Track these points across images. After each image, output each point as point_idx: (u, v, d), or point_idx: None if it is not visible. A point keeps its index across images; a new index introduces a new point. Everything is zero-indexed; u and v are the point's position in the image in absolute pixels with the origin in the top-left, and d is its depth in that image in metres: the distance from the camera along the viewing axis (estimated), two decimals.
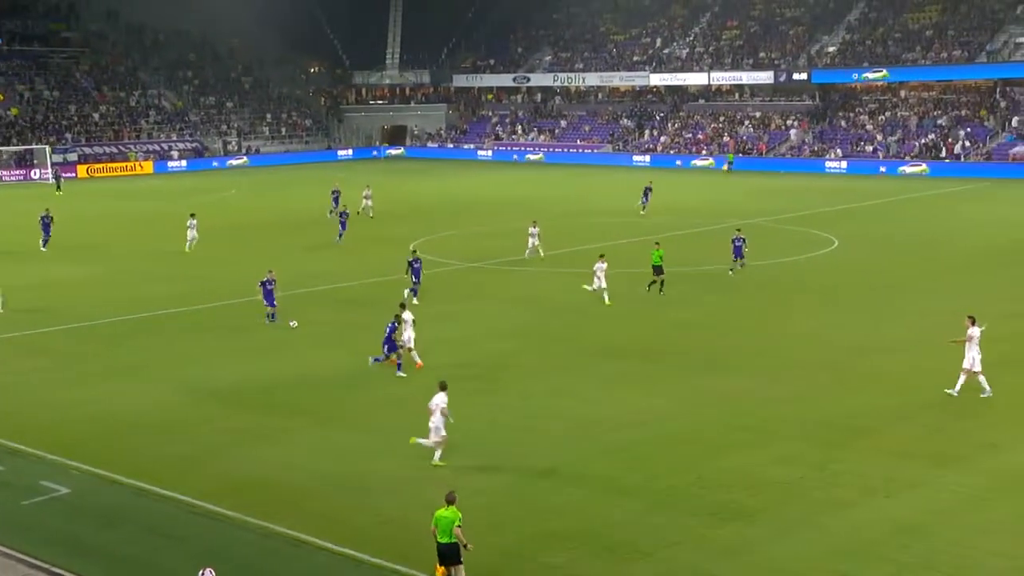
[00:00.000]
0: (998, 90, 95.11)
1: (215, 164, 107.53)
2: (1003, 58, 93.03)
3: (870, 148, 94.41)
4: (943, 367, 29.22)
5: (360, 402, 28.64)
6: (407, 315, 31.39)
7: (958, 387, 27.57)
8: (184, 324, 37.99)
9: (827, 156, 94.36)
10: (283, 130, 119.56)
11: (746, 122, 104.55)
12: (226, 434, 26.24)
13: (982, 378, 27.41)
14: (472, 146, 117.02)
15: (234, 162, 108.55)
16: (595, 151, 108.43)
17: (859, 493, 21.76)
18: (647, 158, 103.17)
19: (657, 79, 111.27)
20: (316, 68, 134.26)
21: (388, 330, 30.77)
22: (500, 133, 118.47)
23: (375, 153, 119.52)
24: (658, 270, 40.42)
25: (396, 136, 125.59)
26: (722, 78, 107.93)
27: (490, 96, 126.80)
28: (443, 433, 23.49)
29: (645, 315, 38.25)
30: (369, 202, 65.01)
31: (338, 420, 27.25)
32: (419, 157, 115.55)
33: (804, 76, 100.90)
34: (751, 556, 19.08)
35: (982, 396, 27.38)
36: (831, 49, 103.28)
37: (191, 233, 52.49)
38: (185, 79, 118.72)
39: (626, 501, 21.79)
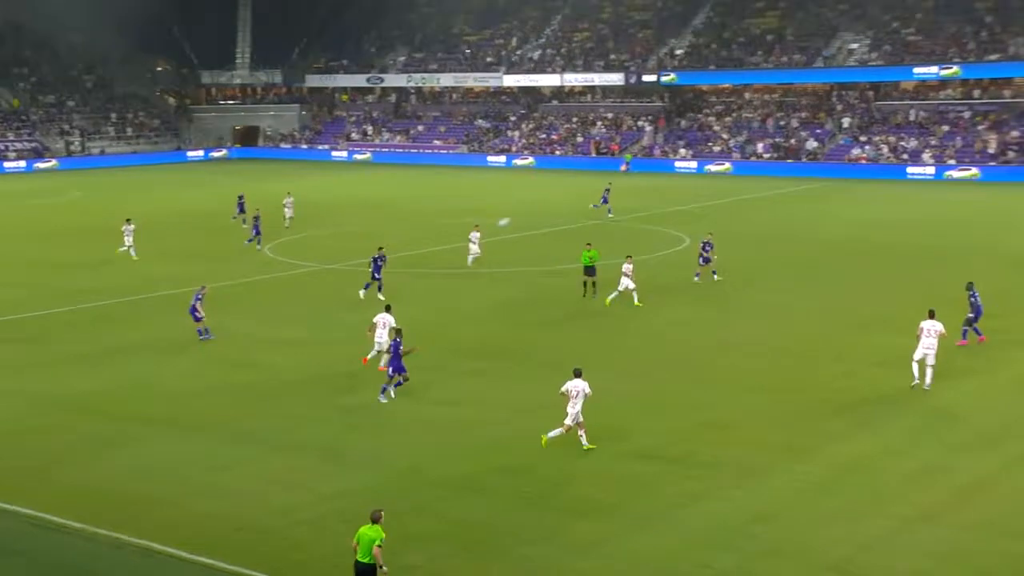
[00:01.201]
0: (834, 94, 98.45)
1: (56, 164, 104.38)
2: (838, 63, 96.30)
3: (717, 148, 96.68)
4: (795, 362, 30.00)
5: (212, 408, 27.97)
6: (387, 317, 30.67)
7: (924, 380, 28.31)
8: (30, 332, 36.72)
9: (677, 156, 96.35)
10: (129, 130, 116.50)
11: (599, 123, 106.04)
12: (72, 442, 25.37)
13: (929, 370, 28.34)
14: (327, 147, 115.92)
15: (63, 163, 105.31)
16: (451, 152, 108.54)
17: (712, 485, 22.18)
18: (503, 159, 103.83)
19: (511, 80, 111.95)
20: (163, 67, 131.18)
21: (393, 348, 28.24)
22: (355, 134, 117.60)
23: (219, 154, 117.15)
24: (589, 271, 39.95)
25: (248, 137, 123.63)
26: (574, 80, 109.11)
27: (344, 96, 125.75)
28: (580, 418, 24.03)
29: (503, 316, 38.32)
30: (289, 211, 60.38)
31: (190, 427, 26.58)
32: (272, 158, 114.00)
33: (653, 78, 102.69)
34: (608, 549, 19.25)
35: (916, 386, 28.27)
36: (679, 52, 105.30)
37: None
38: (21, 76, 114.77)
39: (484, 500, 21.81)
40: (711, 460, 23.57)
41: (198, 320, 34.53)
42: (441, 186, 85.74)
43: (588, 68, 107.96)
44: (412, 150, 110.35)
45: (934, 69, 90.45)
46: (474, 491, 22.24)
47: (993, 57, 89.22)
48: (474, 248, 46.40)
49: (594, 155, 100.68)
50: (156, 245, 52.36)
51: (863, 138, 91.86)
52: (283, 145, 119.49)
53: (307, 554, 19.30)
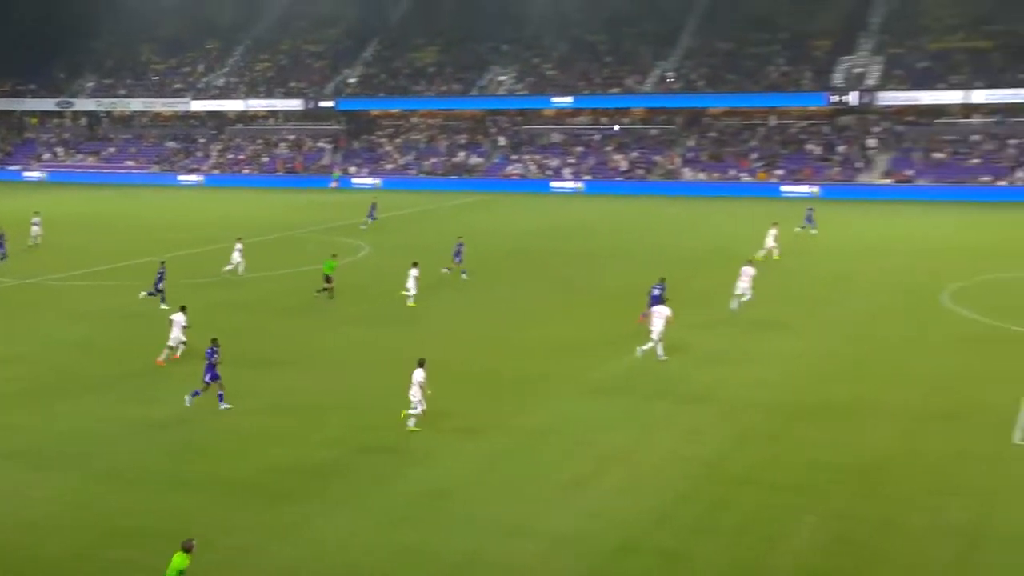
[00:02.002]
0: (489, 119, 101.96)
1: None
2: (491, 92, 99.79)
3: (390, 165, 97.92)
4: (472, 352, 31.05)
5: None
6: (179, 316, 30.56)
7: (651, 349, 30.71)
8: None
9: (356, 174, 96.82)
10: None
11: (281, 144, 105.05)
12: None
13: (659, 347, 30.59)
14: (19, 167, 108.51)
15: None
16: (143, 171, 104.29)
17: (398, 466, 22.71)
18: (193, 177, 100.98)
19: (198, 105, 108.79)
20: None
21: (208, 356, 26.79)
22: (47, 155, 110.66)
23: None
24: (328, 279, 40.43)
25: None
26: (258, 105, 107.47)
27: (34, 120, 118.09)
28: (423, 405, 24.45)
29: (234, 316, 37.45)
30: (38, 229, 55.78)
31: None
32: None
33: (331, 104, 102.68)
34: (306, 533, 19.40)
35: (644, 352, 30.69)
36: (352, 81, 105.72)
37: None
38: None
39: (187, 494, 21.41)
40: (393, 446, 24.05)
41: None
42: (139, 203, 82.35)
43: (270, 95, 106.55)
44: (105, 170, 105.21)
45: (569, 99, 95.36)
46: (177, 487, 21.75)
47: (614, 90, 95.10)
48: (236, 257, 45.70)
49: (281, 173, 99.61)
50: None
51: (515, 156, 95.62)
52: None
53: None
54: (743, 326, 35.55)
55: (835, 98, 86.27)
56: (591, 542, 19.04)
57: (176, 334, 30.55)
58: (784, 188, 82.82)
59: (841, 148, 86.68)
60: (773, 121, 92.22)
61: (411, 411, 24.84)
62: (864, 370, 30.56)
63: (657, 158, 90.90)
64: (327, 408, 27.12)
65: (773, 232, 50.14)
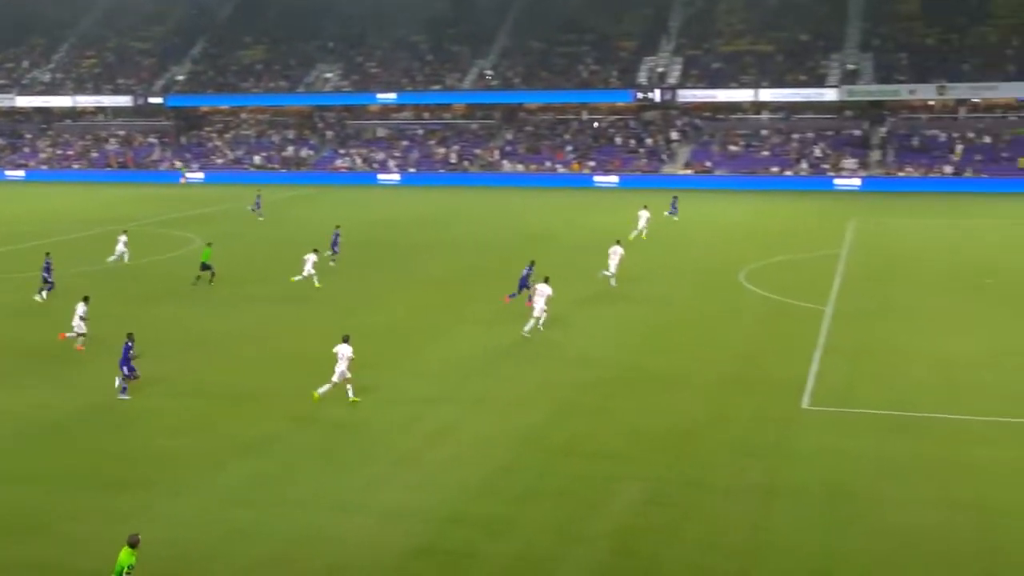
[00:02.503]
0: (316, 114, 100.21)
1: None
2: (317, 89, 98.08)
3: (220, 160, 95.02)
4: (294, 344, 30.46)
5: None
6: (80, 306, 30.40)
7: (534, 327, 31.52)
8: None
9: (187, 168, 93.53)
10: None
11: (111, 139, 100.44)
12: None
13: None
14: None
15: None
16: None
17: (233, 454, 22.20)
18: (22, 173, 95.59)
19: (24, 101, 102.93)
20: None
21: (123, 351, 25.77)
22: None
23: None
24: (205, 266, 40.12)
25: None
26: (86, 101, 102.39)
27: None
28: (348, 375, 24.88)
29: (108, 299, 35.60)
30: None
31: None
32: None
33: (160, 100, 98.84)
34: (149, 515, 18.80)
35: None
36: (180, 78, 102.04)
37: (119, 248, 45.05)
38: None
39: (28, 485, 20.44)
40: (226, 432, 23.51)
41: None
42: None
43: (98, 91, 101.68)
44: None
45: (392, 95, 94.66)
46: (16, 480, 20.75)
47: (435, 87, 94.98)
48: (120, 248, 45.14)
49: (113, 168, 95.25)
50: None
51: (343, 151, 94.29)
52: None
53: None
54: (568, 304, 36.00)
55: (640, 95, 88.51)
56: (420, 514, 19.00)
57: (76, 323, 30.55)
58: (597, 179, 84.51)
59: (647, 141, 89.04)
60: (585, 116, 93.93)
61: (325, 388, 25.02)
62: (676, 343, 31.58)
63: (478, 151, 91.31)
64: (163, 395, 26.12)
65: (644, 215, 52.14)
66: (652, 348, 31.00)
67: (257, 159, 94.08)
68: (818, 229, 56.75)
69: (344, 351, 24.96)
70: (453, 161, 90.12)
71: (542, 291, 32.00)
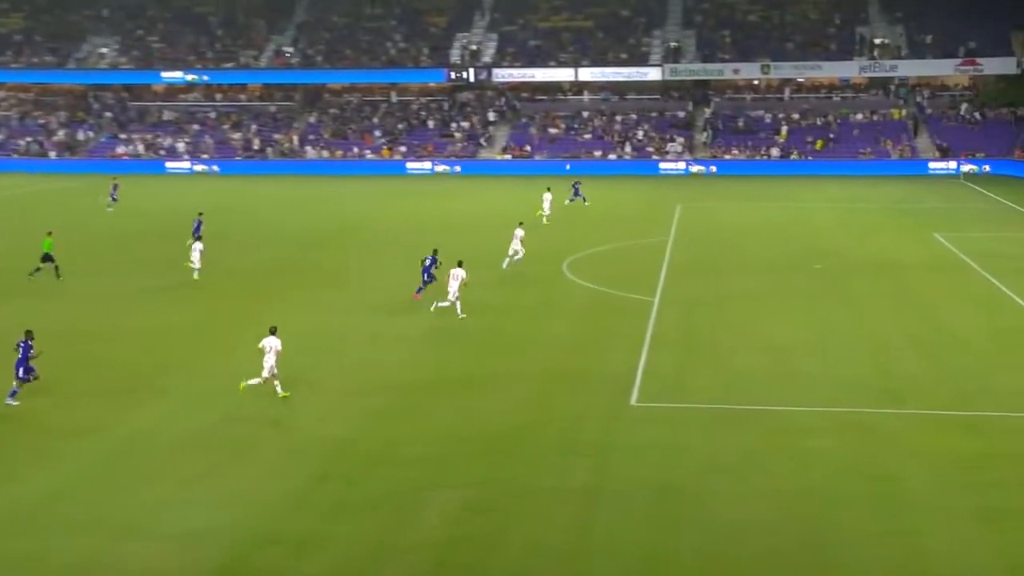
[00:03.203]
0: (91, 94, 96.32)
1: None
2: (91, 65, 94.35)
3: None
4: (86, 346, 29.45)
5: None
6: None
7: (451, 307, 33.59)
8: None
9: None
10: None
11: None
12: None
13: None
14: None
15: None
16: None
17: (8, 471, 21.45)
18: None
19: None
20: None
21: (22, 351, 25.68)
22: None
23: None
24: (48, 257, 40.22)
25: None
26: None
27: None
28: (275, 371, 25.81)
29: None
30: None
31: None
32: None
33: None
34: None
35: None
36: None
37: None
38: None
39: None
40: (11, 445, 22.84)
41: None
42: None
43: None
44: None
45: (179, 74, 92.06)
46: None
47: (228, 65, 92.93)
48: None
49: None
50: None
51: (123, 136, 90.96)
52: None
53: None
54: (368, 310, 35.96)
55: (453, 74, 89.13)
56: (219, 535, 18.73)
57: None
58: (409, 165, 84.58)
59: (462, 124, 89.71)
60: (395, 97, 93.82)
61: (254, 382, 25.76)
62: (496, 340, 32.05)
63: (277, 136, 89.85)
64: None
65: (548, 197, 55.72)
66: (471, 346, 31.39)
67: (25, 144, 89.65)
68: (644, 215, 58.68)
69: (272, 344, 25.89)
70: (256, 148, 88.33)
71: (456, 275, 34.11)
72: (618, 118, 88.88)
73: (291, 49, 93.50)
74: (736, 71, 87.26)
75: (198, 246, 40.82)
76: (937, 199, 65.33)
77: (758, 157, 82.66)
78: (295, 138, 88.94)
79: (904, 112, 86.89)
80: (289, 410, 25.55)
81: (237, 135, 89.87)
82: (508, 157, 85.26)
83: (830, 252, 46.05)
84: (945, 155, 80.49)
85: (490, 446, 23.08)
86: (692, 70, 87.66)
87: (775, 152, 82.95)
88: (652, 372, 28.39)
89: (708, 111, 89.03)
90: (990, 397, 26.41)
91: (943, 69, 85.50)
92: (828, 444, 23.20)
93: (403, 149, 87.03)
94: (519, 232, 42.25)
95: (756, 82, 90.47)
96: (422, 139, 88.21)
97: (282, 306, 35.49)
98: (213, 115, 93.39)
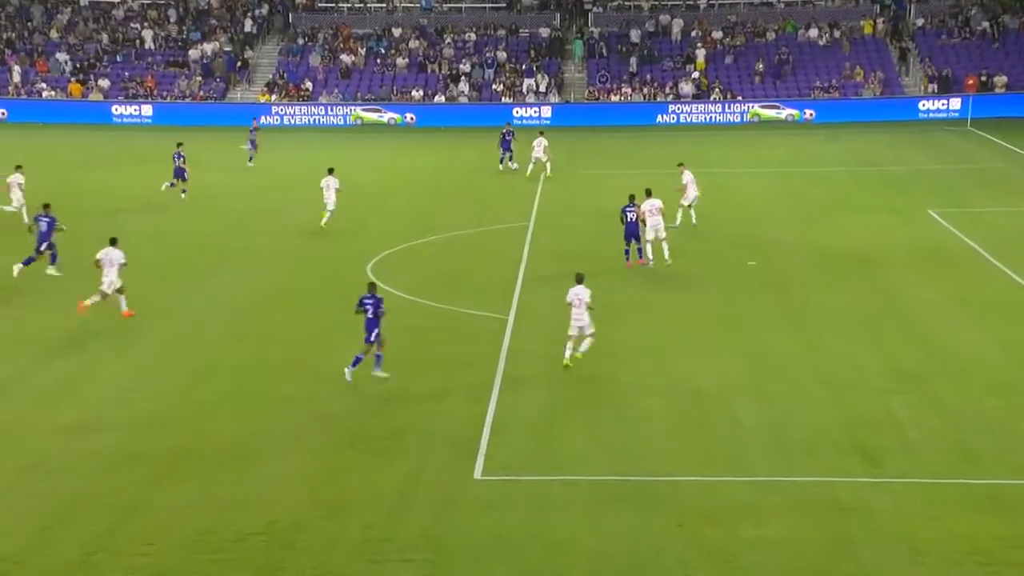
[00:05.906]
0: None
1: None
2: None
3: None
4: None
5: None
6: None
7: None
8: None
9: None
10: None
11: None
12: None
13: None
14: None
15: None
16: None
17: None
18: None
19: None
20: None
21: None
22: None
23: None
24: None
25: None
26: None
27: None
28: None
29: None
30: None
31: None
32: None
33: None
34: None
35: None
36: None
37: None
38: None
39: None
40: None
41: None
42: None
43: None
44: None
45: None
46: None
47: None
48: None
49: None
50: None
51: None
52: None
53: None
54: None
55: None
56: None
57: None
58: (117, 110, 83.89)
59: (203, 47, 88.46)
60: None
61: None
62: (268, 379, 31.65)
63: None
64: None
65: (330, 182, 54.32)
66: (228, 396, 30.61)
67: None
68: (492, 190, 58.35)
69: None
70: None
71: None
72: (448, 39, 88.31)
73: None
74: None
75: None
76: (931, 157, 66.68)
77: (661, 98, 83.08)
78: None
79: (881, 25, 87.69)
80: None
81: None
82: (272, 99, 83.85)
83: (770, 241, 46.42)
84: (944, 89, 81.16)
85: (243, 556, 22.12)
86: None
87: (687, 89, 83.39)
88: (506, 428, 28.14)
89: (586, 28, 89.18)
90: (1014, 456, 26.48)
91: None
92: (775, 533, 22.92)
93: (103, 83, 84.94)
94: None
95: None
96: (138, 69, 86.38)
97: None
98: None
